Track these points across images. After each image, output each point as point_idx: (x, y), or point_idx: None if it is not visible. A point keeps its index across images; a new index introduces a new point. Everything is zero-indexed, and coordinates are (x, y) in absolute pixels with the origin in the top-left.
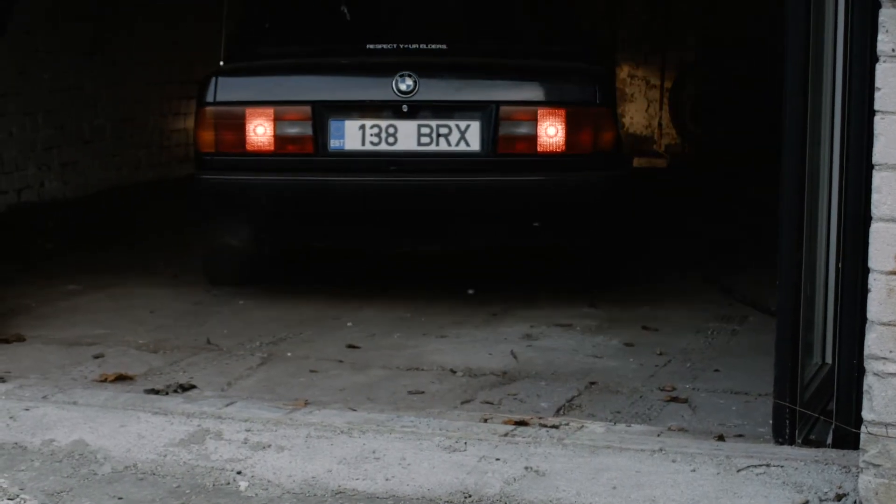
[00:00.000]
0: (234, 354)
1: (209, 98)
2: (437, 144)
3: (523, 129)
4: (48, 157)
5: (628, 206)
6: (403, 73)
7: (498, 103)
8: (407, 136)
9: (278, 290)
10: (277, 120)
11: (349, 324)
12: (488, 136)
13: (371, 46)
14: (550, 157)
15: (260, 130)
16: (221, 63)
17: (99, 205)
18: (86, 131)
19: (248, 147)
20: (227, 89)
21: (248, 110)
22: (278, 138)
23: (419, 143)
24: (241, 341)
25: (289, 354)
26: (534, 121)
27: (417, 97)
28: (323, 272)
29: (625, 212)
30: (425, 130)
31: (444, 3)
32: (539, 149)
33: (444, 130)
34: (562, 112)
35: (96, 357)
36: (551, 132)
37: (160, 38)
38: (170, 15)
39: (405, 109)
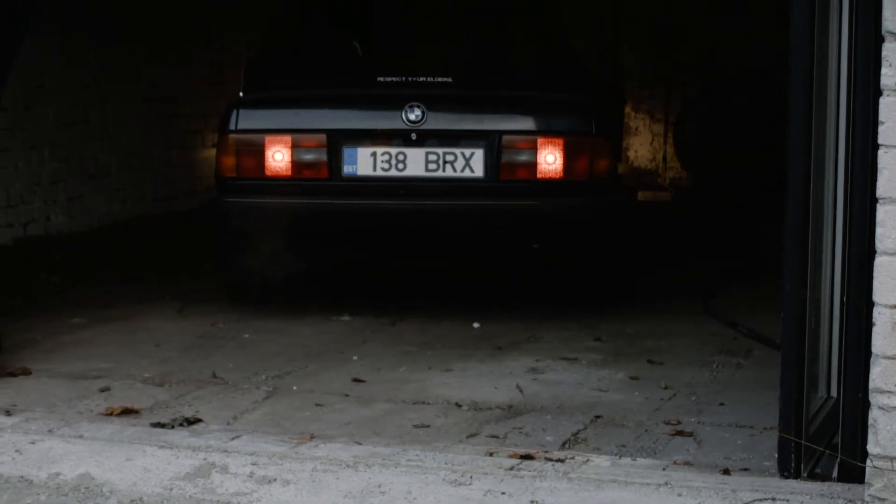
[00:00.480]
0: (240, 388)
1: (231, 126)
2: (444, 170)
3: (524, 157)
4: (54, 190)
5: (625, 230)
6: (412, 104)
7: (500, 133)
8: (415, 162)
9: (284, 324)
10: (295, 147)
11: (355, 357)
12: (491, 163)
13: (382, 79)
14: (549, 183)
15: (278, 156)
16: (241, 94)
17: (104, 239)
18: (91, 165)
19: (268, 172)
20: (247, 118)
21: (268, 138)
22: (295, 164)
23: (427, 170)
24: (247, 375)
25: (294, 388)
26: (533, 149)
27: (425, 126)
28: (330, 305)
29: (622, 235)
30: (433, 157)
31: (449, 39)
32: (538, 175)
33: (450, 157)
34: (560, 141)
35: (102, 390)
36: (550, 160)
37: (166, 72)
38: (176, 52)
39: (414, 138)
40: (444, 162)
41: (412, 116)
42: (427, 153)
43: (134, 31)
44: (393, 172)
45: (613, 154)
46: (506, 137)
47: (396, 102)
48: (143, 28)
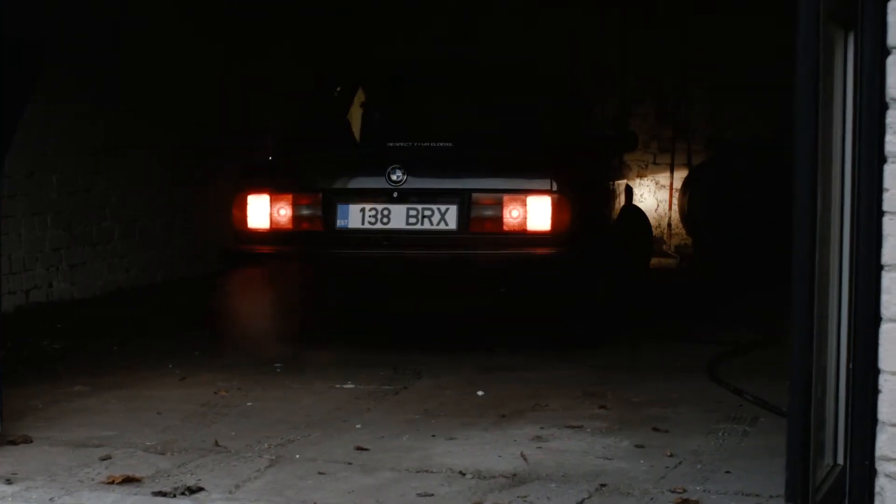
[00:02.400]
0: (242, 456)
1: (243, 187)
2: (422, 224)
3: (491, 212)
4: (56, 257)
5: (590, 278)
6: (394, 166)
7: (471, 191)
8: (398, 216)
9: (286, 392)
10: (295, 204)
11: (358, 426)
12: (463, 217)
13: (369, 147)
14: (514, 235)
15: (282, 212)
16: (253, 159)
17: (107, 306)
18: (94, 232)
19: (272, 225)
20: (256, 180)
21: (273, 196)
22: (295, 218)
23: (407, 223)
24: (249, 443)
25: (297, 456)
26: (500, 205)
27: (406, 186)
28: (333, 373)
29: (586, 283)
30: (413, 213)
31: (427, 110)
32: (504, 228)
33: (427, 213)
34: (523, 198)
35: (103, 459)
36: (515, 214)
37: (168, 140)
38: (177, 123)
39: (396, 196)
40: (423, 216)
41: (394, 177)
42: (408, 209)
43: (140, 99)
44: (378, 225)
45: (575, 209)
46: (475, 195)
47: (381, 165)
48: (148, 97)
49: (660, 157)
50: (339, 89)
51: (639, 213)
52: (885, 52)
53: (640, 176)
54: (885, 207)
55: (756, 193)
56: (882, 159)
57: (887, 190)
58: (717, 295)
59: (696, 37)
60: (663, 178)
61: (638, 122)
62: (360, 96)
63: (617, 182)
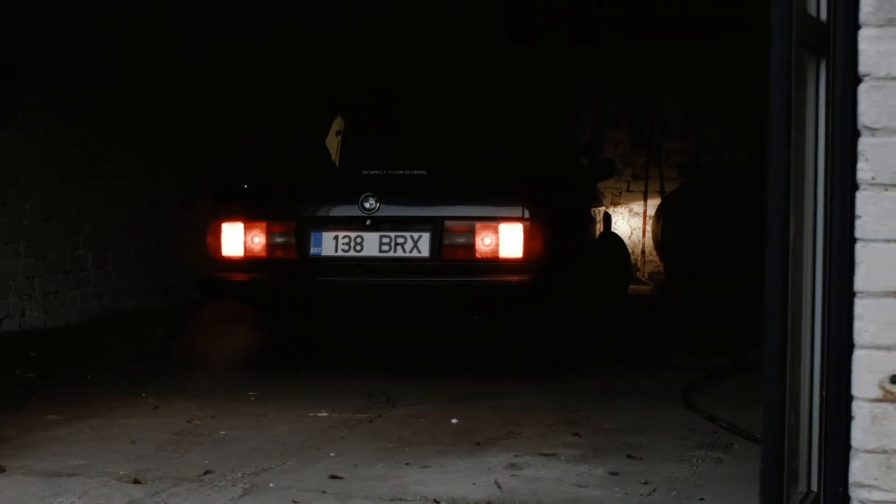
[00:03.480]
0: (216, 485)
1: (218, 214)
2: (395, 251)
3: (463, 240)
4: (29, 286)
5: (563, 305)
6: (367, 194)
7: (443, 218)
8: (371, 244)
9: (260, 421)
10: (269, 232)
11: (332, 454)
12: (436, 244)
13: (342, 174)
14: (486, 262)
15: (256, 240)
16: (228, 186)
17: (80, 334)
18: (67, 260)
19: (247, 253)
20: (230, 207)
21: (247, 224)
22: (269, 246)
23: (380, 250)
24: (223, 472)
25: (271, 485)
26: (472, 233)
27: (379, 214)
28: (307, 402)
29: (559, 310)
30: (385, 240)
31: (402, 138)
32: (477, 255)
33: (400, 240)
34: (495, 226)
35: (77, 488)
36: (487, 242)
37: (142, 167)
38: (151, 150)
39: (369, 223)
40: (396, 244)
41: (367, 205)
42: (381, 236)
43: (114, 126)
44: (352, 253)
45: (548, 236)
46: (447, 223)
47: (354, 193)
48: (122, 123)
49: (634, 185)
50: (315, 117)
51: (617, 239)
52: (857, 79)
53: (615, 203)
54: (858, 234)
55: (729, 220)
56: (854, 186)
57: (859, 217)
58: (691, 321)
59: (672, 65)
60: (637, 205)
61: (612, 149)
62: (337, 124)
63: (595, 209)
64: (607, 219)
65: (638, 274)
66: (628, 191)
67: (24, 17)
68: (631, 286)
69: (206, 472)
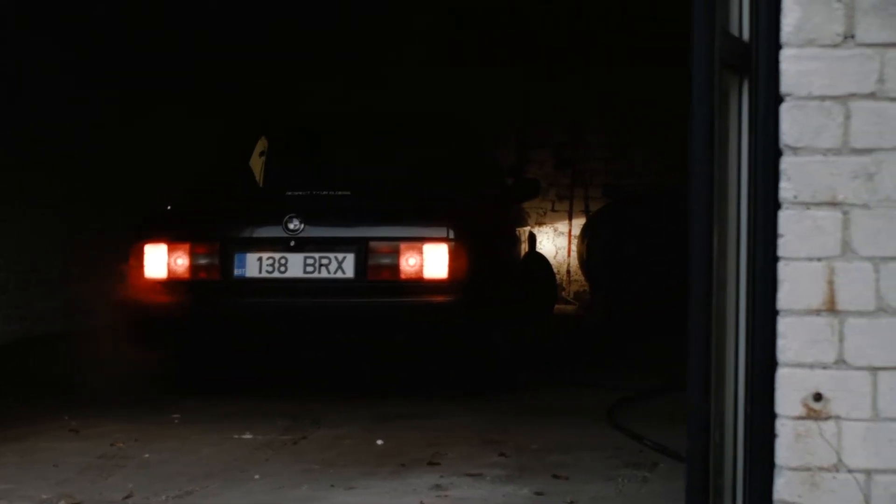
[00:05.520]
0: None
1: (141, 236)
2: (320, 272)
3: (388, 260)
4: None
5: (489, 325)
6: (291, 215)
7: (368, 239)
8: (295, 265)
9: (184, 443)
10: (192, 253)
11: (256, 476)
12: (360, 265)
13: (266, 195)
14: (411, 283)
15: (179, 262)
16: (152, 209)
17: (2, 357)
18: None
19: (170, 275)
20: (153, 229)
21: (170, 245)
22: (193, 267)
23: (305, 272)
24: (147, 495)
25: None
26: (396, 253)
27: (303, 235)
28: (231, 424)
29: (485, 330)
30: (310, 261)
31: (327, 159)
32: (402, 276)
33: (325, 261)
34: (419, 246)
35: None
36: (412, 262)
37: (64, 190)
38: (72, 174)
39: (293, 244)
40: (320, 265)
41: (292, 226)
42: (305, 257)
43: (34, 151)
44: (276, 274)
45: (473, 256)
46: (372, 244)
47: (278, 214)
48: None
49: (558, 205)
50: (239, 139)
51: (542, 259)
52: (779, 99)
53: (540, 223)
54: (781, 253)
55: (653, 239)
56: (777, 205)
57: (782, 236)
58: (616, 341)
59: (596, 86)
60: (562, 224)
61: (536, 170)
62: (260, 144)
63: (520, 229)
64: (532, 238)
65: (563, 293)
66: (553, 210)
67: None
68: (556, 306)
69: (129, 496)
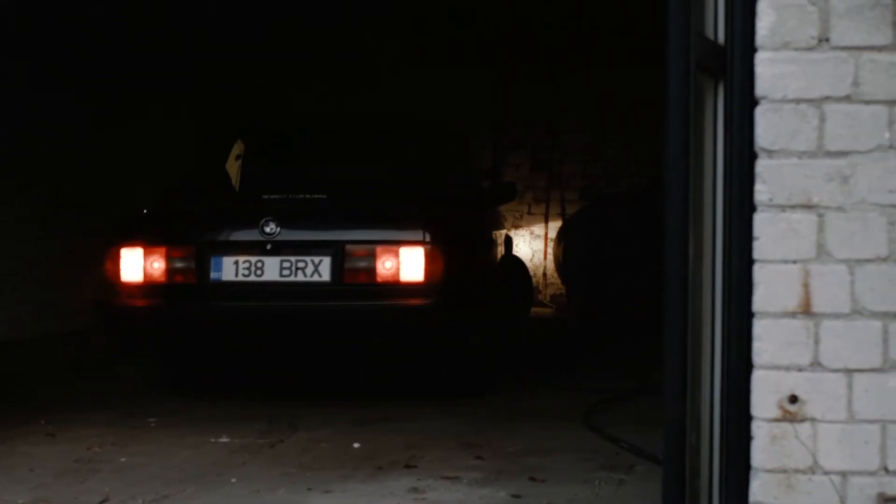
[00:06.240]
0: None
1: (116, 239)
2: (296, 276)
3: (364, 264)
4: None
5: (466, 328)
6: (267, 219)
7: (344, 242)
8: (271, 268)
9: (161, 447)
10: (168, 257)
11: (233, 480)
12: (337, 268)
13: (242, 199)
14: (387, 286)
15: (155, 265)
16: (128, 212)
17: None
18: None
19: (146, 278)
20: (129, 233)
21: (146, 249)
22: (169, 271)
23: (281, 275)
24: (123, 499)
25: None
26: (373, 256)
27: (279, 238)
28: (208, 427)
29: (461, 332)
30: (286, 265)
31: (303, 162)
32: (378, 279)
33: (301, 264)
34: (396, 249)
35: None
36: (388, 265)
37: (38, 194)
38: (47, 178)
39: (269, 248)
40: (296, 268)
41: (268, 229)
42: (281, 261)
43: (7, 156)
44: (252, 278)
45: (449, 259)
46: (348, 247)
47: (254, 218)
48: (16, 153)
49: (535, 208)
50: (215, 142)
51: (518, 262)
52: (754, 102)
53: (516, 226)
54: (756, 255)
55: (629, 243)
56: (752, 208)
57: (757, 238)
58: (592, 344)
59: (572, 88)
60: (538, 228)
61: (512, 173)
62: (236, 148)
63: (497, 232)
64: (508, 241)
65: (540, 296)
66: (529, 213)
67: None
68: (533, 308)
69: (106, 500)
